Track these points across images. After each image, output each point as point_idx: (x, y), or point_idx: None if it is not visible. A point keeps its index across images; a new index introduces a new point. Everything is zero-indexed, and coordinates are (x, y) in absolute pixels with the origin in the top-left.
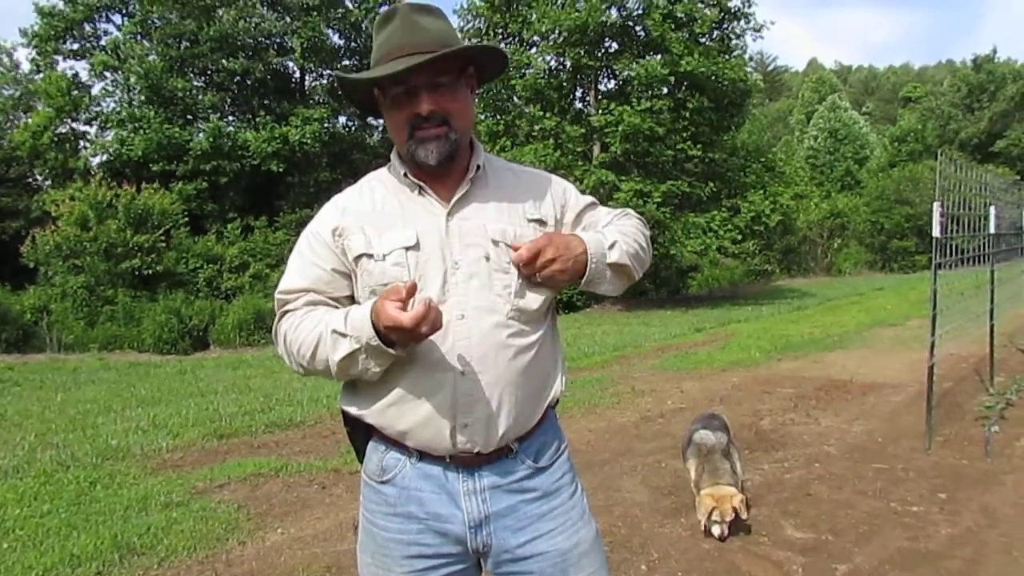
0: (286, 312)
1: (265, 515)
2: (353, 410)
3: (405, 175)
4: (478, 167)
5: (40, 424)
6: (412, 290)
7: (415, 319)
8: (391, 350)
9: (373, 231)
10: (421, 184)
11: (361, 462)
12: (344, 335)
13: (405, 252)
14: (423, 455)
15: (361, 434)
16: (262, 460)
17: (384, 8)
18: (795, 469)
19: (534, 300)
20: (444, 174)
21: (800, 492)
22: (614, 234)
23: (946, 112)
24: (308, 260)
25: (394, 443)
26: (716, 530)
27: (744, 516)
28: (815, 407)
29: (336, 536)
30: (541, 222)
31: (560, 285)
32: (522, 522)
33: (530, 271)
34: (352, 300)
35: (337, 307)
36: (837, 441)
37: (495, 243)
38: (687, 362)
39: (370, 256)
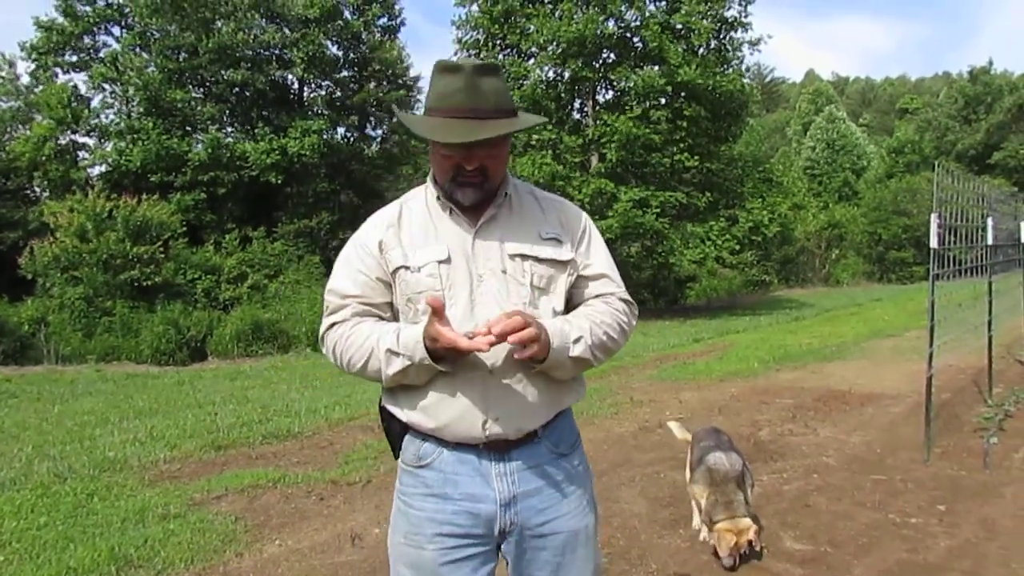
0: (333, 324)
1: (263, 527)
2: (395, 410)
3: (439, 198)
4: (507, 194)
5: (37, 436)
6: (440, 309)
7: (471, 346)
8: (438, 366)
9: (410, 246)
10: (452, 206)
11: (396, 453)
12: (398, 354)
13: (438, 265)
14: (458, 444)
15: (397, 427)
16: (260, 471)
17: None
18: (794, 480)
19: (545, 309)
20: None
21: (799, 503)
22: (585, 325)
23: (943, 124)
24: (356, 268)
25: (428, 435)
26: (729, 562)
27: (758, 548)
28: (813, 418)
29: (334, 548)
30: (558, 240)
31: (532, 358)
32: (545, 503)
33: (517, 339)
34: (391, 305)
35: (380, 315)
36: (836, 452)
37: (512, 258)
38: (685, 372)
39: (407, 268)
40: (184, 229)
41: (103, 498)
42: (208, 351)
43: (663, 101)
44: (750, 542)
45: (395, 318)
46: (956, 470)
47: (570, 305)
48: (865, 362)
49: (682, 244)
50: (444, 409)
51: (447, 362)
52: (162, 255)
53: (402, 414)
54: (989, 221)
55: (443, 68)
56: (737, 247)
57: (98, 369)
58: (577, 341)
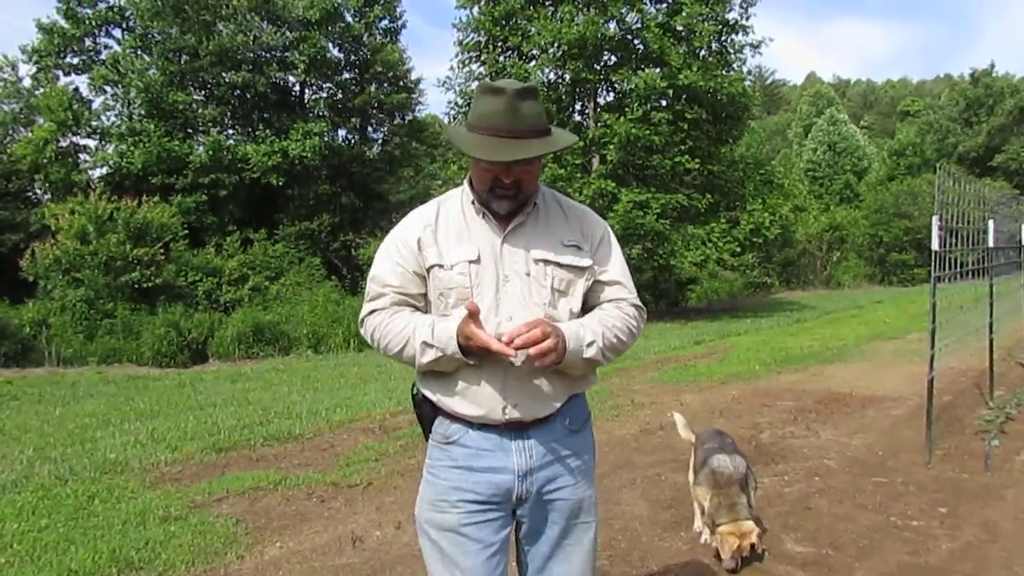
0: (374, 310)
1: (264, 529)
2: (428, 394)
3: (473, 203)
4: (536, 204)
5: (39, 438)
6: (476, 312)
7: (501, 350)
8: (467, 359)
9: (444, 245)
10: (485, 211)
11: (426, 434)
12: (432, 346)
13: (468, 265)
14: (483, 424)
15: (429, 411)
16: (261, 474)
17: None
18: (795, 483)
19: (563, 309)
20: None
21: (800, 506)
22: (597, 329)
23: (944, 126)
24: (395, 261)
25: (457, 417)
26: (730, 564)
27: (760, 549)
28: (815, 420)
29: (335, 550)
30: (578, 248)
31: (546, 365)
32: (556, 473)
33: (536, 351)
34: (424, 296)
35: (415, 305)
36: (837, 454)
37: (536, 263)
38: (686, 375)
39: (440, 266)
40: (185, 231)
41: (104, 500)
42: (209, 353)
43: (664, 103)
44: (752, 545)
45: (427, 308)
46: (957, 472)
47: (586, 306)
48: (866, 364)
49: (683, 246)
50: (470, 396)
51: (475, 356)
52: (163, 257)
53: (434, 398)
54: (990, 223)
55: (487, 89)
56: (738, 249)
57: (99, 371)
58: (590, 345)
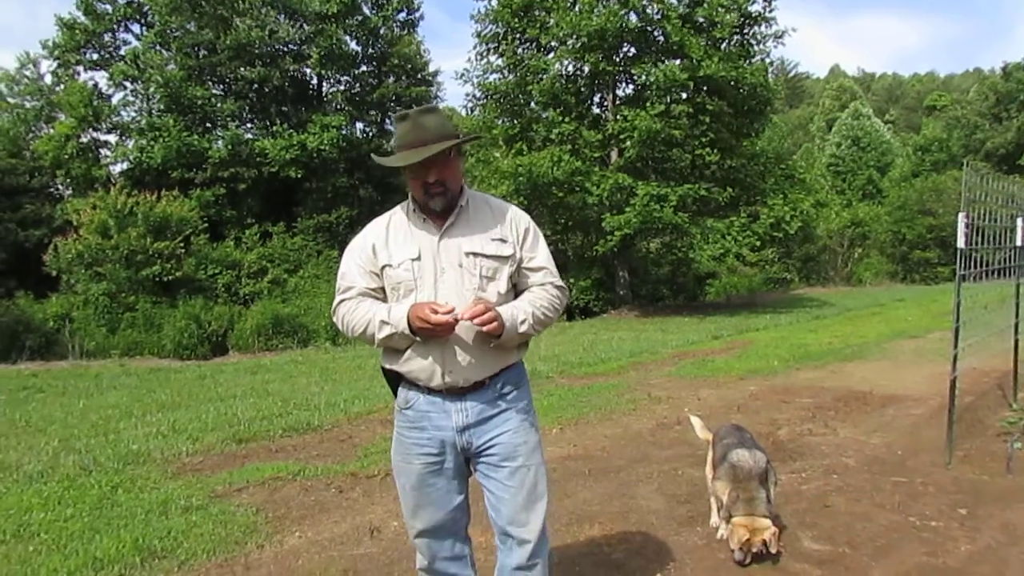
0: (343, 300)
1: (283, 519)
2: (387, 365)
3: (415, 211)
4: (462, 205)
5: (63, 430)
6: (447, 311)
7: (439, 322)
8: (414, 336)
9: (393, 247)
10: (424, 217)
11: (395, 398)
12: (387, 323)
13: (411, 262)
14: (430, 390)
15: (393, 381)
16: (280, 464)
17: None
18: (812, 480)
19: (492, 292)
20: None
21: (817, 504)
22: (527, 309)
23: (972, 121)
24: (358, 263)
25: (412, 384)
26: (738, 556)
27: (773, 550)
28: (833, 418)
29: (353, 540)
30: (503, 240)
31: (492, 334)
32: (489, 425)
33: (480, 321)
34: (383, 289)
35: (376, 297)
36: (855, 453)
37: (466, 255)
38: (704, 369)
39: (389, 265)
40: (205, 225)
41: (127, 490)
42: (229, 345)
43: (684, 96)
44: (765, 542)
45: (386, 301)
46: (978, 474)
47: (518, 289)
48: (887, 363)
49: (702, 239)
50: (415, 363)
51: (420, 335)
52: (183, 251)
53: (390, 366)
54: (1019, 222)
55: (398, 118)
56: (758, 244)
57: (122, 364)
58: (523, 322)
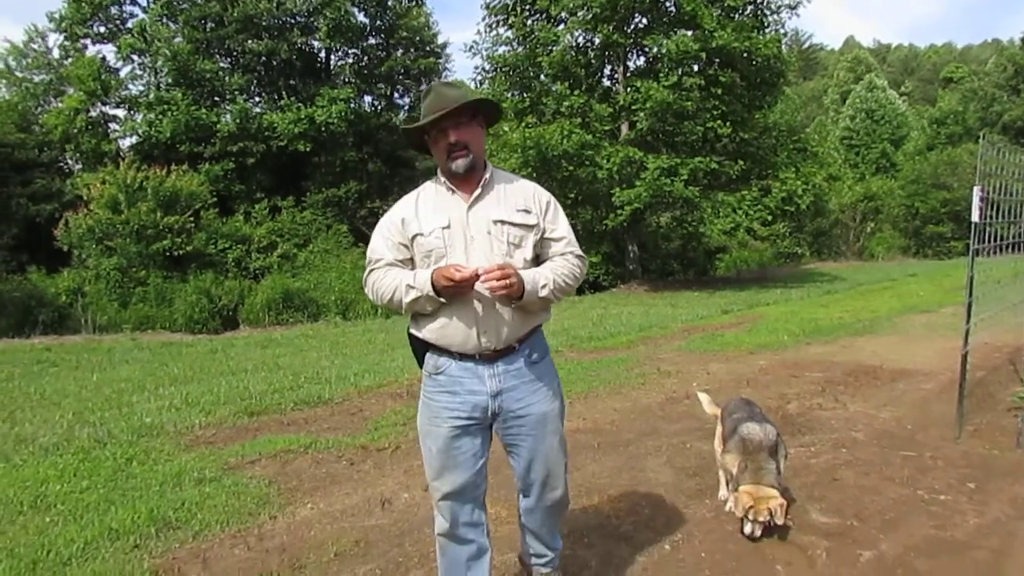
0: (372, 270)
1: (295, 490)
2: (417, 332)
3: (443, 182)
4: (487, 178)
5: (77, 403)
6: (469, 273)
7: (463, 278)
8: (440, 298)
9: (423, 217)
10: (453, 188)
11: (419, 365)
12: (413, 287)
13: (442, 230)
14: (462, 355)
15: (420, 348)
16: (292, 437)
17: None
18: (821, 454)
19: (518, 259)
20: (467, 181)
21: (826, 477)
22: (549, 276)
23: (989, 93)
24: (387, 237)
25: (442, 351)
26: (747, 528)
27: (779, 521)
28: (843, 392)
29: (364, 511)
30: (527, 211)
31: (511, 296)
32: (521, 393)
33: (500, 275)
34: (411, 260)
35: (403, 267)
36: (865, 427)
37: (494, 223)
38: (714, 344)
39: (420, 233)
40: (214, 199)
41: (141, 462)
42: (240, 319)
43: (696, 68)
44: (771, 511)
45: (414, 269)
46: (988, 449)
47: (540, 258)
48: (898, 338)
49: (713, 213)
50: (449, 329)
51: (445, 296)
52: (193, 225)
53: (422, 335)
54: None
55: (424, 93)
56: (769, 218)
57: (134, 338)
58: (544, 287)
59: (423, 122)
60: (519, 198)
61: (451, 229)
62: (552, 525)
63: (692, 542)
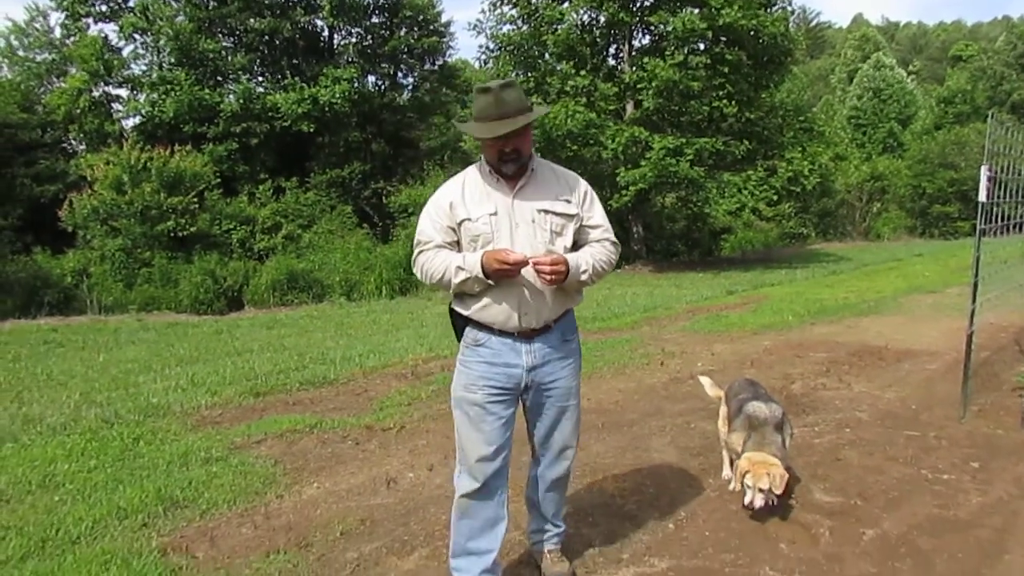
0: (421, 251)
1: (301, 470)
2: (460, 310)
3: (489, 172)
4: (532, 169)
5: (84, 383)
6: (520, 257)
7: (516, 261)
8: (488, 280)
9: (471, 204)
10: (498, 177)
11: (458, 337)
12: (463, 268)
13: (489, 216)
14: (502, 332)
15: (461, 322)
16: (297, 417)
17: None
18: (825, 434)
19: (560, 246)
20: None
21: (830, 457)
22: (589, 261)
23: (998, 72)
24: (435, 220)
25: (484, 327)
26: (747, 497)
27: (778, 491)
28: (848, 372)
29: (370, 490)
30: (567, 201)
31: (556, 282)
32: (552, 368)
33: (551, 267)
34: (458, 244)
35: (451, 250)
36: (869, 407)
37: (538, 212)
38: (718, 324)
39: (468, 219)
40: (218, 180)
41: (149, 442)
42: (245, 300)
43: (702, 46)
44: (769, 476)
45: (460, 251)
46: (992, 428)
47: (577, 244)
48: (903, 318)
49: (718, 193)
50: (493, 309)
51: (494, 279)
52: (197, 206)
53: (466, 313)
54: None
55: (479, 90)
56: (775, 198)
57: (139, 319)
58: (584, 272)
59: (485, 135)
60: (561, 188)
61: (498, 216)
62: (556, 498)
63: (696, 521)
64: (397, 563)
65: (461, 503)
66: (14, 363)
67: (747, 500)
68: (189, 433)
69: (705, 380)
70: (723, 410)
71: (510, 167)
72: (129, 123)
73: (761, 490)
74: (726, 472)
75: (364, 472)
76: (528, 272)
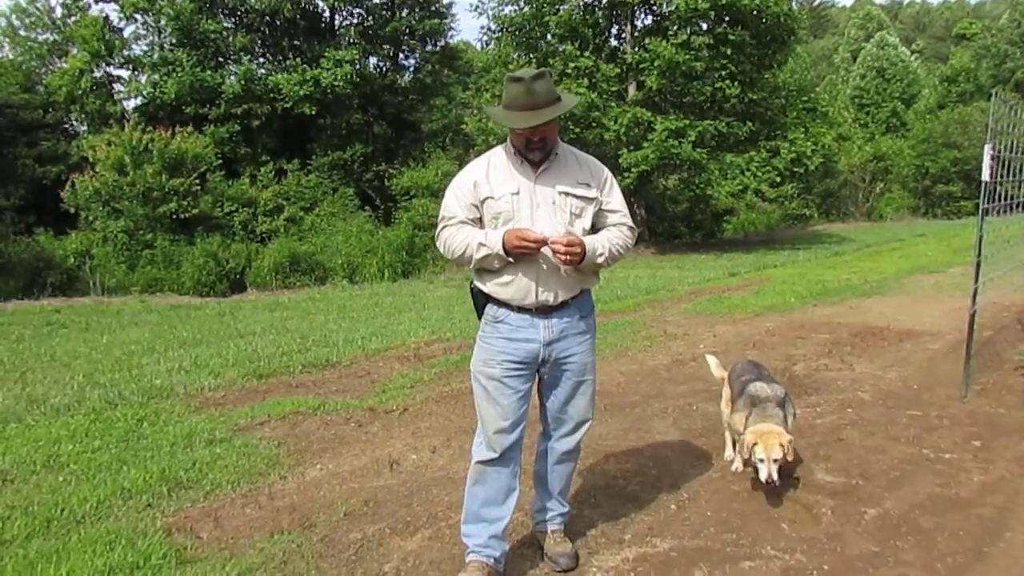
0: (445, 227)
1: (304, 451)
2: (481, 287)
3: (514, 154)
4: (556, 154)
5: (87, 364)
6: (540, 236)
7: (536, 240)
8: (508, 257)
9: (494, 183)
10: (522, 160)
11: (479, 315)
12: (484, 245)
13: (511, 196)
14: (521, 308)
15: (482, 299)
16: (300, 399)
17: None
18: (827, 414)
19: (578, 228)
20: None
21: (832, 437)
22: (605, 244)
23: (1002, 50)
24: (459, 197)
25: (503, 303)
26: (763, 472)
27: (791, 458)
28: (850, 353)
29: (373, 472)
30: (588, 185)
31: (573, 263)
32: (569, 343)
33: (567, 248)
34: (480, 220)
35: (474, 226)
36: (871, 387)
37: (559, 194)
38: (720, 306)
39: (491, 197)
40: (219, 162)
41: (152, 423)
42: (247, 283)
43: (705, 26)
44: (782, 446)
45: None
46: (994, 407)
47: (595, 228)
48: (905, 298)
49: (720, 175)
50: (513, 286)
51: (513, 256)
52: (198, 188)
53: (486, 289)
54: None
55: (511, 79)
56: (777, 179)
57: (142, 300)
58: (600, 255)
59: (516, 125)
60: (582, 173)
61: (519, 196)
62: (565, 472)
63: (698, 502)
64: (400, 544)
65: (477, 468)
66: (17, 344)
67: (763, 476)
68: (192, 415)
69: (712, 359)
70: (726, 391)
71: (536, 154)
72: (131, 104)
73: (775, 460)
74: (728, 453)
75: (367, 454)
76: (546, 251)
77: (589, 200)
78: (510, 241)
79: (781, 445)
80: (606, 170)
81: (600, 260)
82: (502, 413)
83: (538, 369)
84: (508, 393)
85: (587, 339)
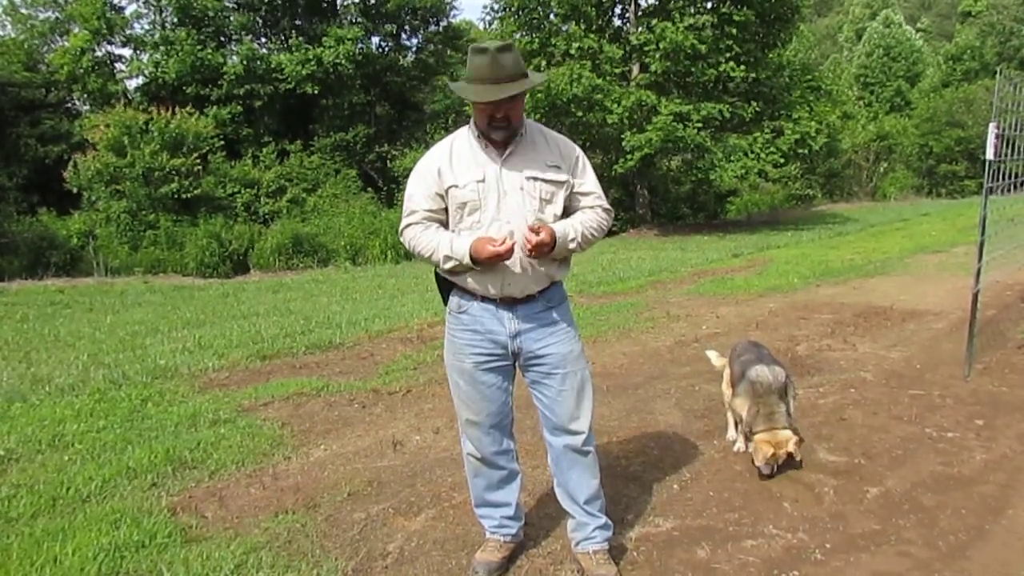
0: (410, 224)
1: (308, 432)
2: (444, 274)
3: (478, 137)
4: (522, 134)
5: (91, 345)
6: (506, 242)
7: (508, 249)
8: (476, 266)
9: (458, 169)
10: (486, 143)
11: (445, 304)
12: (451, 257)
13: (476, 184)
14: (484, 298)
15: (446, 288)
16: (304, 380)
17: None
18: (830, 394)
19: (549, 214)
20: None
21: (834, 417)
22: (578, 228)
23: (1008, 27)
24: (424, 186)
25: (467, 292)
26: (766, 471)
27: (798, 458)
28: (853, 333)
29: (376, 452)
30: (558, 168)
31: (537, 256)
32: (539, 334)
33: (535, 241)
34: (446, 211)
35: (439, 219)
36: (874, 367)
37: (527, 179)
38: (723, 287)
39: (455, 185)
40: (221, 143)
41: (157, 403)
42: (250, 264)
43: (709, 5)
44: (790, 454)
45: (447, 220)
46: (997, 386)
47: (568, 211)
48: (909, 278)
49: (724, 158)
50: (478, 279)
51: (480, 265)
52: (200, 168)
53: (452, 279)
54: None
55: (475, 51)
56: (781, 160)
57: (146, 281)
58: (572, 240)
59: (476, 98)
60: (550, 154)
61: (485, 183)
62: (583, 478)
63: (700, 481)
64: (404, 524)
65: (470, 461)
66: (21, 323)
67: (765, 471)
68: (197, 395)
69: (712, 354)
70: (727, 372)
71: (499, 134)
72: (132, 84)
73: (780, 464)
74: (730, 434)
75: (371, 435)
76: (511, 232)
77: (559, 184)
78: (480, 252)
79: (790, 453)
80: (577, 149)
81: (572, 246)
82: (478, 409)
83: (515, 363)
84: (481, 388)
85: (560, 328)
